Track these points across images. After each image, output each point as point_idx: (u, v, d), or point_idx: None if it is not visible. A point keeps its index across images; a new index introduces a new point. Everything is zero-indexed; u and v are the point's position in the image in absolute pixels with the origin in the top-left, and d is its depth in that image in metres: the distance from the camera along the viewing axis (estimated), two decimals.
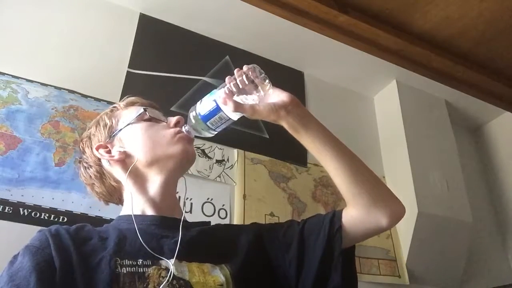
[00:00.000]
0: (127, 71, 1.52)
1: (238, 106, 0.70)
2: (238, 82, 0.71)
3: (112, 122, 0.83)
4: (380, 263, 1.64)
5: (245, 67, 0.72)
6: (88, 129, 0.86)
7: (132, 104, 0.86)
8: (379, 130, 2.04)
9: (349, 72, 2.01)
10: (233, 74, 0.73)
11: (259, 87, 0.72)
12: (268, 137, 1.68)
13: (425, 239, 1.71)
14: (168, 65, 1.63)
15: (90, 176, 0.83)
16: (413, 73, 1.92)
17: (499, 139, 2.30)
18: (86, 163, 0.83)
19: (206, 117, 0.73)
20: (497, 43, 1.83)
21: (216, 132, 0.76)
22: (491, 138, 2.34)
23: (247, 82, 0.71)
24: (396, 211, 0.74)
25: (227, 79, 0.73)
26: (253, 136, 1.65)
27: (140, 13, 1.66)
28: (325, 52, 1.86)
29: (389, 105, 2.03)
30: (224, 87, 0.72)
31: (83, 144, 0.85)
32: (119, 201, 0.82)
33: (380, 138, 2.01)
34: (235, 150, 1.59)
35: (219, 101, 0.71)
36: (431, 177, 1.81)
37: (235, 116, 0.73)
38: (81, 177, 0.86)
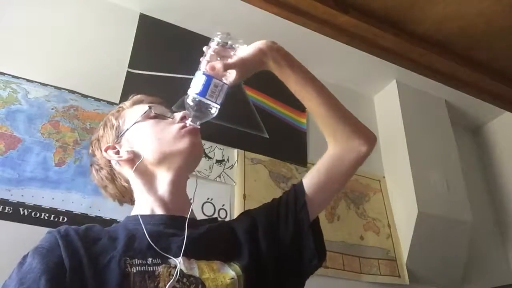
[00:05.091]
0: (127, 71, 1.52)
1: (226, 64, 0.73)
2: (213, 52, 0.75)
3: (119, 123, 0.83)
4: (380, 263, 1.64)
5: (212, 41, 0.77)
6: (97, 132, 0.86)
7: (138, 102, 0.86)
8: (379, 130, 2.04)
9: (349, 72, 2.01)
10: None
11: (234, 50, 0.76)
12: (268, 137, 1.67)
13: (425, 239, 1.71)
14: (168, 65, 1.63)
15: (102, 178, 0.83)
16: (413, 73, 1.92)
17: (499, 139, 2.30)
18: (98, 165, 0.83)
19: (203, 92, 0.73)
20: (497, 43, 1.83)
21: (218, 105, 0.75)
22: (491, 138, 2.34)
23: (222, 46, 0.75)
24: (371, 137, 0.81)
25: (201, 58, 0.76)
26: (253, 136, 1.65)
27: (140, 13, 1.66)
28: (325, 52, 1.86)
29: (389, 105, 2.04)
30: (203, 59, 0.75)
31: (92, 147, 0.85)
32: (131, 201, 0.82)
33: (380, 138, 2.01)
34: (235, 150, 1.58)
35: (207, 71, 0.73)
36: (431, 177, 1.81)
37: (227, 79, 0.75)
38: (93, 180, 0.86)
